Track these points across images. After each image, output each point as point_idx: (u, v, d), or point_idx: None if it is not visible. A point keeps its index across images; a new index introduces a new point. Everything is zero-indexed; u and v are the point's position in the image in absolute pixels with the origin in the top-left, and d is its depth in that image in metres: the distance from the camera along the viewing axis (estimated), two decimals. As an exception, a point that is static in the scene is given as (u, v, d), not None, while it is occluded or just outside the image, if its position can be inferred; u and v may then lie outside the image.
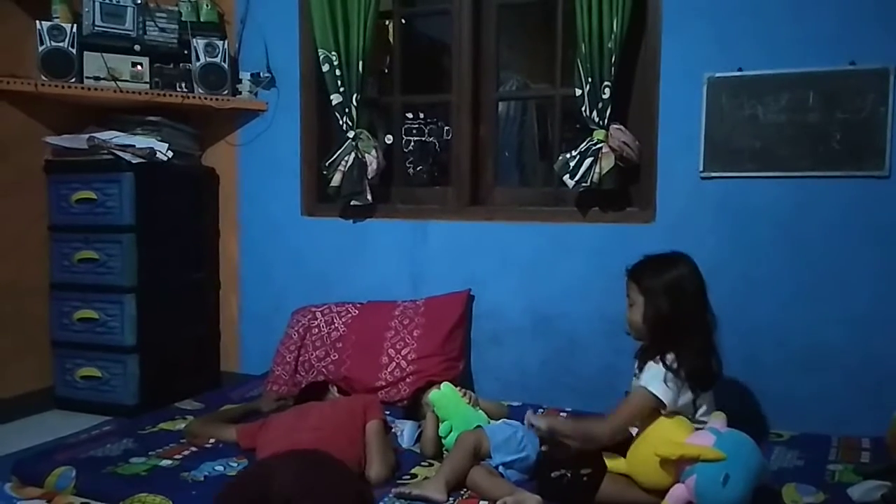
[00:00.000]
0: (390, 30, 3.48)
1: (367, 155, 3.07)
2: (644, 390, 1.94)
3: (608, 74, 2.67)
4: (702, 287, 2.03)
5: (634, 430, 1.98)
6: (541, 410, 2.51)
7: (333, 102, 3.09)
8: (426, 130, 4.06)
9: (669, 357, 1.95)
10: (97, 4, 3.03)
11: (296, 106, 3.30)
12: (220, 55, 3.25)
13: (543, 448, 2.09)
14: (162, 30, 3.20)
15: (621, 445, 1.95)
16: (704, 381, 1.99)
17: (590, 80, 2.69)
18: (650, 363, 1.98)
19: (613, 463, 1.90)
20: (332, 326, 3.02)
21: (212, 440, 2.34)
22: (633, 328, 2.09)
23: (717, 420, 1.88)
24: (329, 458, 1.94)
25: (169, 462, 2.18)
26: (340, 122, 3.10)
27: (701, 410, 1.99)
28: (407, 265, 3.14)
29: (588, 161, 2.70)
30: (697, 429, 1.91)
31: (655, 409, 1.94)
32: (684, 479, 1.76)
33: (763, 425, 2.50)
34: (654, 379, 1.94)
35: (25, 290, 3.11)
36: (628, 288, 2.10)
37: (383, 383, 2.82)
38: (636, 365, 2.08)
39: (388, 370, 2.84)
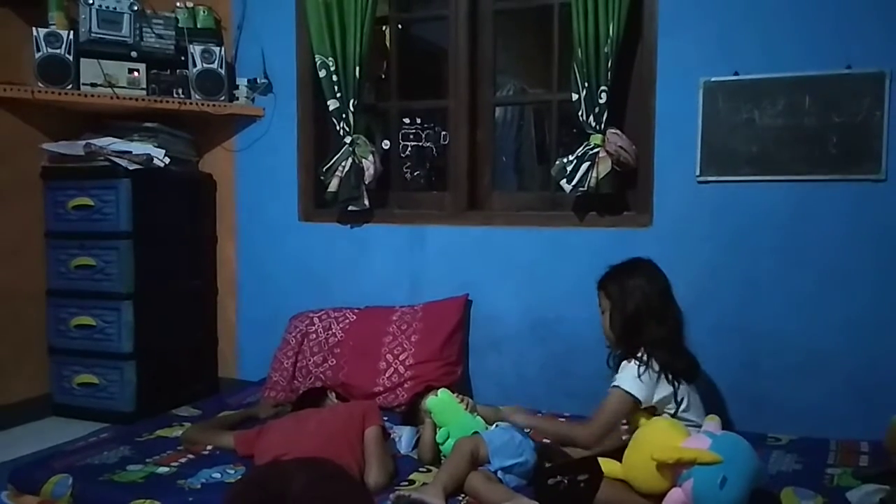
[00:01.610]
0: (387, 35, 3.48)
1: (364, 160, 3.07)
2: (618, 390, 2.04)
3: (605, 79, 2.68)
4: (665, 286, 2.15)
5: (628, 434, 1.99)
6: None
7: (330, 108, 3.10)
8: (423, 135, 4.07)
9: (639, 353, 2.05)
10: (94, 11, 3.03)
11: (293, 111, 3.31)
12: (216, 61, 3.26)
13: (548, 465, 2.09)
14: (159, 36, 3.21)
15: (617, 450, 1.96)
16: (680, 374, 2.07)
17: (586, 84, 2.70)
18: (624, 363, 2.08)
19: (610, 468, 1.90)
20: (330, 332, 3.01)
21: (209, 447, 2.34)
22: (607, 337, 2.21)
23: (712, 423, 1.88)
24: (345, 472, 1.93)
25: (166, 469, 2.17)
26: (337, 128, 3.10)
27: (683, 405, 2.05)
28: (405, 270, 3.14)
29: (585, 165, 2.70)
30: (686, 423, 1.96)
31: (634, 405, 2.03)
32: (681, 483, 1.76)
33: (761, 429, 2.50)
34: (628, 376, 2.04)
35: (22, 297, 3.11)
36: (598, 298, 2.23)
37: (381, 389, 2.82)
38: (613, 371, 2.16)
39: (386, 375, 2.84)
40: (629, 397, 2.02)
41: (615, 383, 2.06)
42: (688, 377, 2.10)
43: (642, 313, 2.11)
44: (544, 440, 2.27)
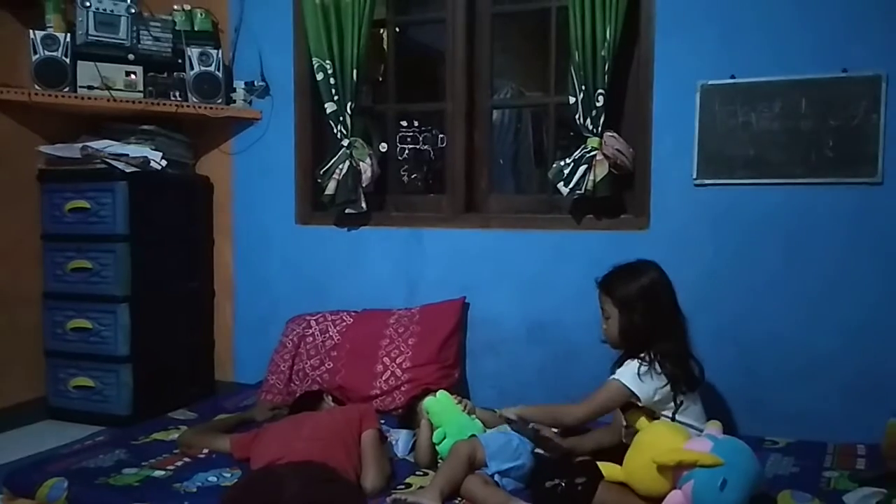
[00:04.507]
0: (384, 38, 3.48)
1: (361, 163, 3.07)
2: (616, 382, 2.03)
3: (602, 82, 2.68)
4: (672, 292, 2.11)
5: (628, 437, 1.98)
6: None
7: (328, 111, 3.10)
8: (421, 138, 4.07)
9: (644, 354, 2.04)
10: (91, 14, 3.03)
11: (290, 114, 3.30)
12: (214, 64, 3.25)
13: (538, 451, 2.08)
14: (156, 39, 3.20)
15: (617, 453, 1.95)
16: (685, 382, 2.04)
17: (583, 87, 2.70)
18: (628, 360, 2.07)
19: (610, 471, 1.90)
20: (327, 335, 3.01)
21: (205, 450, 2.33)
22: (609, 339, 2.17)
23: (714, 428, 1.88)
24: (338, 475, 1.93)
25: (162, 473, 2.17)
26: (335, 131, 3.10)
27: (684, 409, 2.04)
28: (402, 273, 3.13)
29: (582, 168, 2.70)
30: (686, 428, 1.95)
31: (631, 402, 2.04)
32: (681, 485, 1.76)
33: (759, 432, 2.49)
34: (629, 372, 2.03)
35: (18, 300, 3.10)
36: (601, 300, 2.17)
37: (378, 392, 2.81)
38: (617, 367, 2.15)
39: (383, 379, 2.83)
40: (626, 391, 2.01)
41: (615, 376, 2.05)
42: (692, 386, 2.06)
43: (653, 322, 2.05)
44: (541, 432, 2.20)
